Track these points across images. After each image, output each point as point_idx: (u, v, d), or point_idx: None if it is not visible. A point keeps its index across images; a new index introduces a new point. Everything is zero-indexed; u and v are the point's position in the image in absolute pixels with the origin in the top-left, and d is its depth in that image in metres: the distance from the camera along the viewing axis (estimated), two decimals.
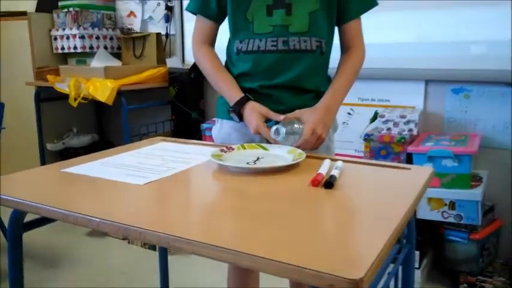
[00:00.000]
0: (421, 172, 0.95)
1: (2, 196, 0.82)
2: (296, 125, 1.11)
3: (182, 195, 0.87)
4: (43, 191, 0.88)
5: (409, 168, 0.99)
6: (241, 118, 1.19)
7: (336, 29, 1.25)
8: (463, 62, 1.98)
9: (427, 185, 0.90)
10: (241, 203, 0.80)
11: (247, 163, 1.00)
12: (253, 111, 1.16)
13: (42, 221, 0.97)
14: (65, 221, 0.75)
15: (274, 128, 1.10)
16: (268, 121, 1.16)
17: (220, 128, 1.31)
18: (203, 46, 1.28)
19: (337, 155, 1.26)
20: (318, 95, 1.21)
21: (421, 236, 1.89)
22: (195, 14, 1.27)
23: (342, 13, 1.21)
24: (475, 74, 1.96)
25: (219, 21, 1.27)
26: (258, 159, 1.03)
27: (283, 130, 1.08)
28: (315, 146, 1.14)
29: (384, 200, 0.81)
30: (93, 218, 0.71)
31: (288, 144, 1.10)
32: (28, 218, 0.92)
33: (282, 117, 1.13)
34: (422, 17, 2.05)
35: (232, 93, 1.21)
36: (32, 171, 1.03)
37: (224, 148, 1.09)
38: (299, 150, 1.06)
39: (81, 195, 0.84)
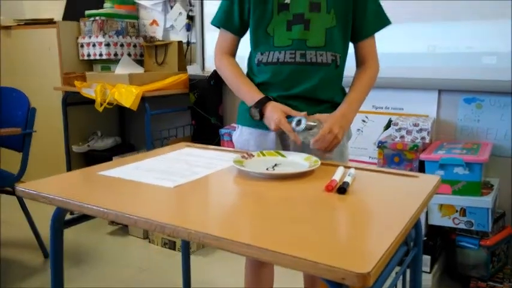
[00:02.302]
0: (429, 180, 1.02)
1: (48, 195, 0.92)
2: (315, 123, 1.17)
3: (208, 197, 0.95)
4: (84, 191, 0.97)
5: (417, 176, 1.06)
6: (261, 117, 1.25)
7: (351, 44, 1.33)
8: (475, 73, 2.03)
9: (434, 192, 0.97)
10: (261, 205, 0.88)
11: (267, 169, 1.08)
12: (276, 107, 1.22)
13: (80, 219, 1.07)
14: (105, 218, 0.84)
15: (296, 118, 1.16)
16: (288, 118, 1.21)
17: (240, 133, 1.39)
18: (225, 56, 1.36)
19: (351, 161, 1.34)
20: (332, 106, 1.28)
21: (432, 242, 1.95)
22: (219, 28, 1.36)
23: (358, 31, 1.29)
24: (486, 84, 2.01)
25: (240, 35, 1.35)
26: (276, 165, 1.12)
27: (304, 120, 1.15)
28: (331, 146, 1.19)
29: (392, 204, 0.88)
30: (132, 216, 0.80)
31: (307, 140, 1.16)
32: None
33: (303, 113, 1.20)
34: (436, 29, 2.11)
35: (253, 94, 1.28)
36: (71, 173, 1.13)
37: (245, 155, 1.17)
38: (315, 158, 1.13)
39: (118, 196, 0.93)
